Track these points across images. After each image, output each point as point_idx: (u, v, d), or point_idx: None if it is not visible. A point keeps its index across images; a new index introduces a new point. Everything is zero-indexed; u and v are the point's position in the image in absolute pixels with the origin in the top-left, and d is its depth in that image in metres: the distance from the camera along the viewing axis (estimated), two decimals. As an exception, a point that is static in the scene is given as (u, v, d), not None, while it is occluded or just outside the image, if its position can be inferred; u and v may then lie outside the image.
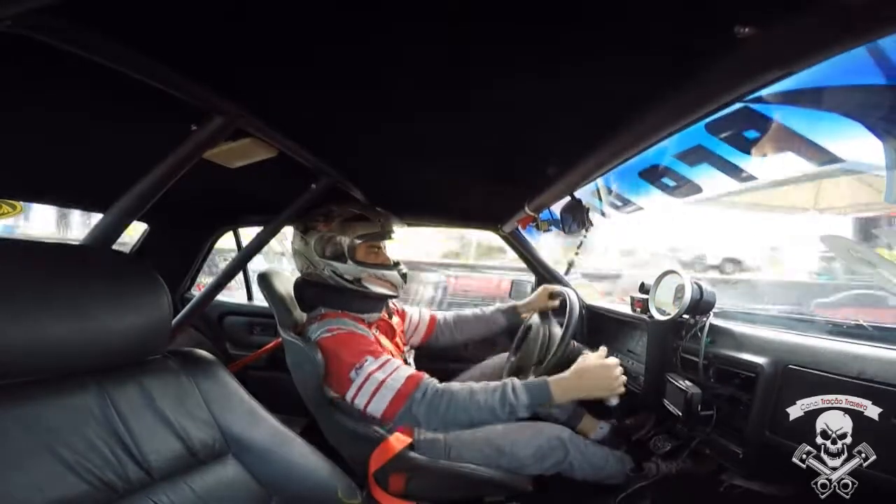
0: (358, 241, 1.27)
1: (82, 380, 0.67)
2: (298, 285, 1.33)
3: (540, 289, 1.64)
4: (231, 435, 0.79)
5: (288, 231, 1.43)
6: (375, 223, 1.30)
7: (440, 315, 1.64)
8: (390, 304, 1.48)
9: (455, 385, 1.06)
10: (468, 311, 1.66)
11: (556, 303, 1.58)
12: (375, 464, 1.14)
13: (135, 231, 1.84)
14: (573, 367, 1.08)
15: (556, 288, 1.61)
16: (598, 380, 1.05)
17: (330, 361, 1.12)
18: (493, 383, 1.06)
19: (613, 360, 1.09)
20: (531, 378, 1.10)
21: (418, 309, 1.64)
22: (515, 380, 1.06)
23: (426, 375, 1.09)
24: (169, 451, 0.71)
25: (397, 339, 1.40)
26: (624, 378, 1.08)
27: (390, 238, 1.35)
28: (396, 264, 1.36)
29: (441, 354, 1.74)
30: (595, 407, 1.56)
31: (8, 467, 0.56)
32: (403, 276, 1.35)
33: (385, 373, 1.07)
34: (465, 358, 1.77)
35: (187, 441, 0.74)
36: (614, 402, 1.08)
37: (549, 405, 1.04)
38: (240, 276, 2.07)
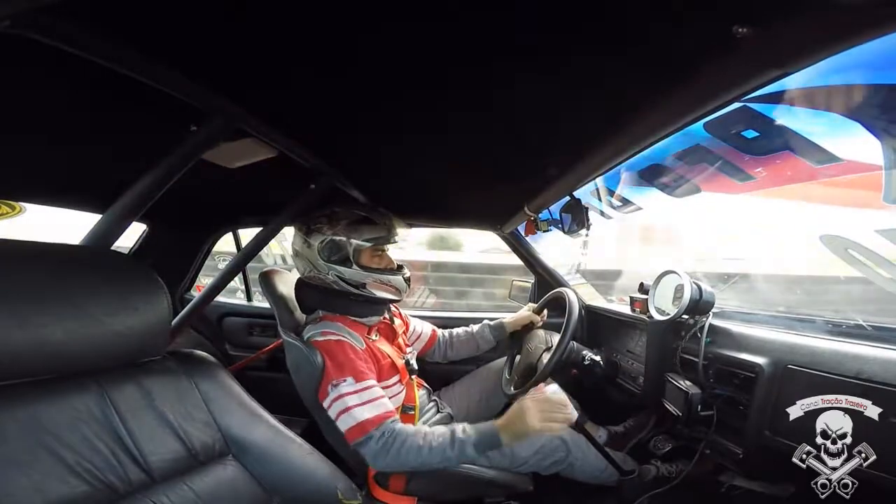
0: (364, 245, 1.25)
1: (82, 380, 0.67)
2: (299, 287, 1.33)
3: (526, 306, 1.69)
4: (231, 436, 0.79)
5: (287, 231, 1.42)
6: (381, 226, 1.28)
7: (440, 332, 1.65)
8: (391, 307, 1.48)
9: (411, 428, 1.08)
10: (461, 330, 1.67)
11: (543, 316, 1.65)
12: None
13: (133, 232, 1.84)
14: (512, 406, 1.08)
15: (543, 301, 1.67)
16: (538, 417, 1.04)
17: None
18: (447, 427, 1.08)
19: (557, 397, 1.09)
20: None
21: (420, 321, 1.64)
22: (465, 424, 1.08)
23: (392, 417, 1.09)
24: (169, 452, 0.71)
25: (399, 341, 1.40)
26: (569, 413, 1.06)
27: (395, 241, 1.34)
28: (400, 268, 1.35)
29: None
30: (597, 413, 1.57)
31: (8, 468, 0.55)
32: (407, 280, 1.34)
33: (358, 399, 1.08)
34: (470, 359, 1.77)
35: (187, 442, 0.74)
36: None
37: (498, 446, 1.05)
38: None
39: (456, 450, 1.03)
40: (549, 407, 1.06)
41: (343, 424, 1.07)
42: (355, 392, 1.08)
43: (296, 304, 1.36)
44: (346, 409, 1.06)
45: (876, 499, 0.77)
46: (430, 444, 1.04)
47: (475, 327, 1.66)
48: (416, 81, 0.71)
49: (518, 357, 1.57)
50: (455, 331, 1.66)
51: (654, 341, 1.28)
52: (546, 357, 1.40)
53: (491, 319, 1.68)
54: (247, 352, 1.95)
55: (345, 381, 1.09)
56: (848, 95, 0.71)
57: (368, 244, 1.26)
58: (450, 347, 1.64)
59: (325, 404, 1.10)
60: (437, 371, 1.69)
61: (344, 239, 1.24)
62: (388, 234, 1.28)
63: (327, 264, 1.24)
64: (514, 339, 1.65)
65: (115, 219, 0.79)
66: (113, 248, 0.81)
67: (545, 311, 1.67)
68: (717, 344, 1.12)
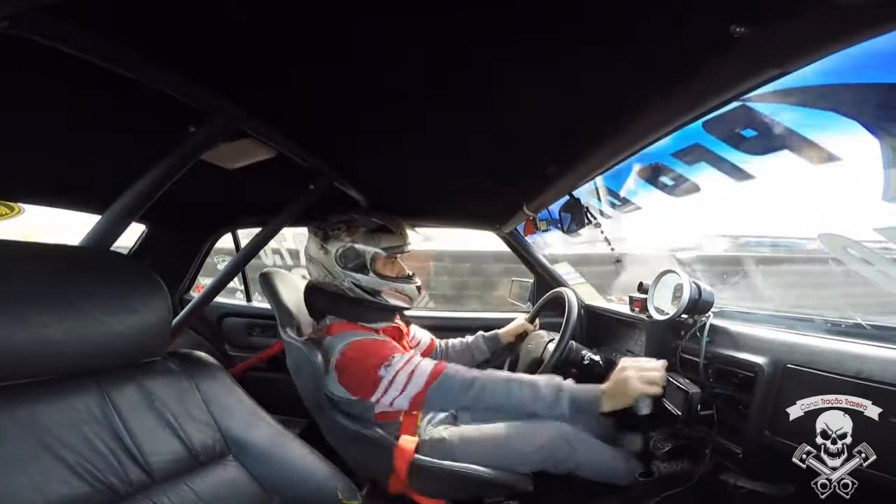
0: (381, 254, 1.27)
1: (82, 381, 0.67)
2: (310, 292, 1.34)
3: (519, 317, 1.71)
4: (231, 436, 0.79)
5: (284, 231, 1.43)
6: (398, 235, 1.30)
7: (438, 342, 1.66)
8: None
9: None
10: (456, 340, 1.67)
11: (536, 325, 1.68)
12: (402, 464, 1.14)
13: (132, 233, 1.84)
14: (613, 375, 1.06)
15: (537, 307, 1.69)
16: (638, 378, 1.02)
17: (354, 369, 1.13)
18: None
19: (657, 363, 1.06)
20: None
21: (420, 329, 1.65)
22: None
23: (451, 363, 1.14)
24: (169, 453, 0.71)
25: (405, 342, 1.41)
26: (657, 375, 1.02)
27: (409, 251, 1.36)
28: (412, 276, 1.37)
29: None
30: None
31: (8, 468, 0.55)
32: (418, 288, 1.36)
33: (413, 364, 1.11)
34: None
35: (188, 442, 0.74)
36: (644, 410, 1.02)
37: (592, 409, 1.03)
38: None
39: (552, 391, 1.03)
40: (644, 370, 1.04)
41: (414, 387, 1.08)
42: (407, 361, 1.12)
43: (296, 304, 1.36)
44: (411, 375, 1.09)
45: (876, 499, 0.77)
46: (508, 378, 1.08)
47: (469, 338, 1.67)
48: (415, 81, 0.71)
49: (519, 359, 1.57)
50: (451, 341, 1.67)
51: (653, 341, 1.28)
52: (551, 347, 1.40)
53: (486, 329, 1.68)
54: (246, 352, 1.95)
55: (393, 358, 1.12)
56: (847, 94, 0.71)
57: (385, 252, 1.28)
58: (445, 357, 1.64)
59: (381, 389, 1.10)
60: None
61: (362, 247, 1.26)
62: (403, 243, 1.31)
63: (344, 271, 1.26)
64: (509, 348, 1.66)
65: (114, 219, 0.79)
66: (112, 248, 0.81)
67: (538, 321, 1.68)
68: (716, 343, 1.12)
